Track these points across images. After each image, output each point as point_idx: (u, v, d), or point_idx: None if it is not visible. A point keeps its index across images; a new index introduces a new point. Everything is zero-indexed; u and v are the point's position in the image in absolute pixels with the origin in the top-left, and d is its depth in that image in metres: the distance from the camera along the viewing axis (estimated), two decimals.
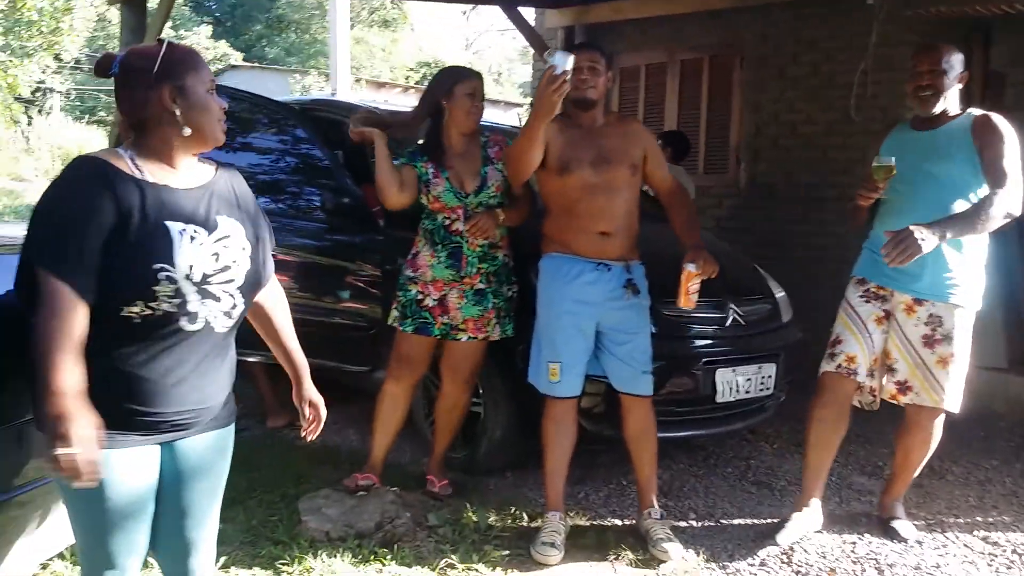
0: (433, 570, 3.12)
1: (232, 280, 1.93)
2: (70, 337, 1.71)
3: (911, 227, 2.97)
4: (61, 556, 2.89)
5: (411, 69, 28.78)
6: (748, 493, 3.99)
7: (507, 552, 3.25)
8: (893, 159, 3.22)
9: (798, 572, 3.24)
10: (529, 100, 14.63)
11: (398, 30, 30.66)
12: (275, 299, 2.21)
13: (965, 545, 3.48)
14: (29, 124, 18.71)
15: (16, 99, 16.65)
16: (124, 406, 1.83)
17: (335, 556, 3.13)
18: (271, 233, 2.12)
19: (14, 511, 2.32)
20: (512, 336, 3.71)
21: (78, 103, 23.23)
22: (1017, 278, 5.37)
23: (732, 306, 4.02)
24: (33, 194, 16.26)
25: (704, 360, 3.88)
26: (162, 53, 1.88)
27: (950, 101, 3.34)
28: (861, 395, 3.51)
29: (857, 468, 4.29)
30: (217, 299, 1.90)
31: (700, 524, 3.64)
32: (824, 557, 3.35)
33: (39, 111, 20.06)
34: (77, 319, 1.73)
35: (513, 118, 17.84)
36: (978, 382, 3.56)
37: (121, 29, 6.20)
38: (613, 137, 3.41)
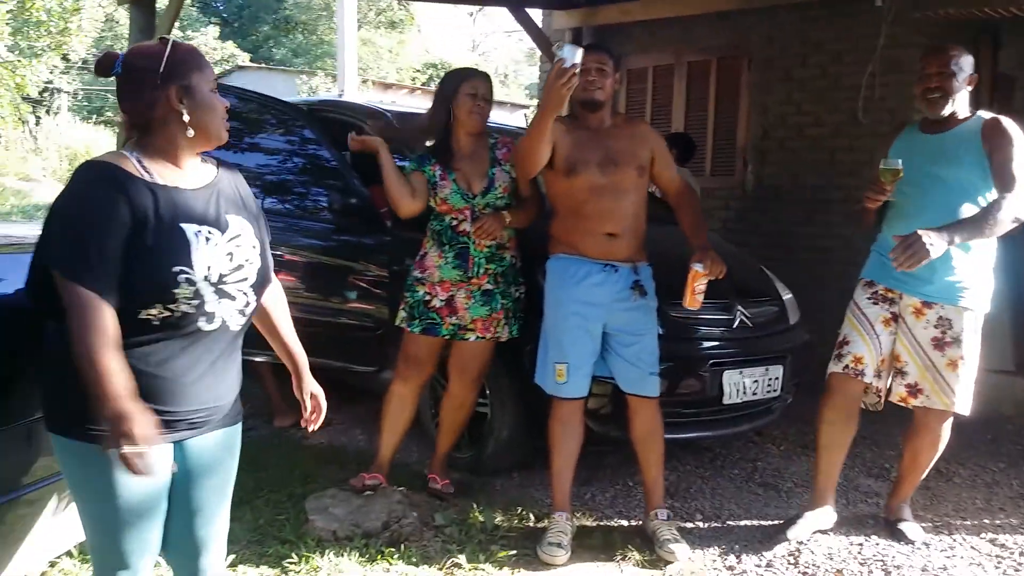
0: (440, 570, 3.12)
1: (246, 279, 1.95)
2: (109, 340, 1.73)
3: (920, 232, 2.97)
4: (69, 554, 2.90)
5: (417, 70, 28.84)
6: (755, 494, 3.99)
7: (514, 552, 3.26)
8: (900, 161, 3.21)
9: (805, 573, 3.23)
10: (536, 102, 14.63)
11: (405, 31, 30.71)
12: (274, 295, 2.22)
13: (972, 547, 3.48)
14: (37, 124, 18.77)
15: (24, 99, 16.71)
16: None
17: (342, 555, 3.13)
18: (268, 230, 2.13)
19: (23, 509, 2.34)
20: (519, 337, 3.71)
21: (85, 103, 23.33)
22: None
23: (739, 308, 4.03)
24: (41, 193, 16.33)
25: (711, 362, 3.88)
26: (167, 53, 1.88)
27: (959, 104, 3.33)
28: (866, 396, 3.51)
29: (864, 470, 4.28)
30: (232, 298, 1.92)
31: (707, 525, 3.64)
32: (831, 558, 3.34)
33: (47, 111, 20.13)
34: (111, 322, 1.75)
35: (519, 119, 17.84)
36: (986, 385, 3.55)
37: (130, 29, 6.21)
38: (620, 139, 3.42)
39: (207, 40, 24.99)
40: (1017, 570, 3.31)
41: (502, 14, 31.99)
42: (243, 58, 25.06)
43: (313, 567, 3.06)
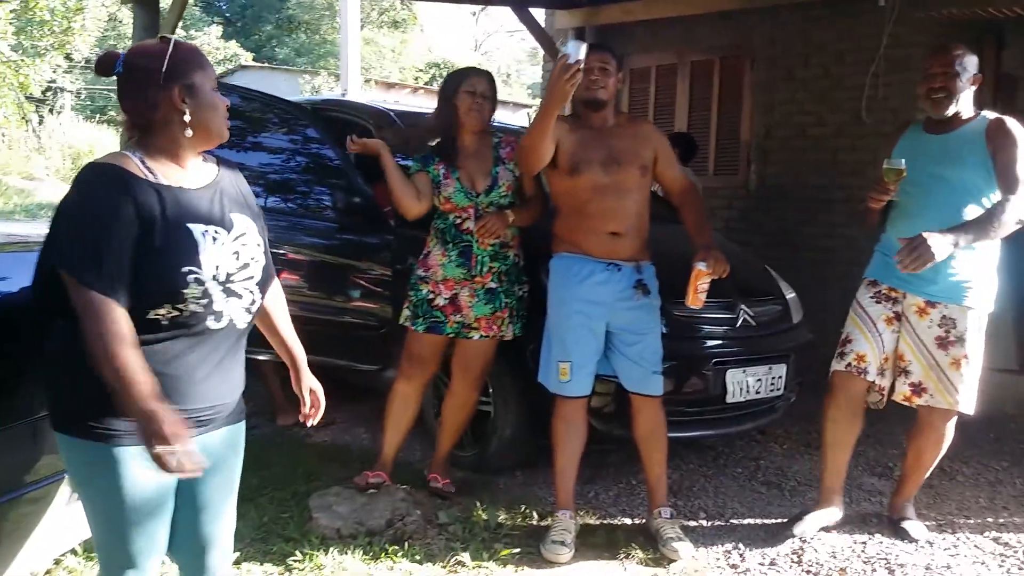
0: (444, 568, 3.13)
1: (252, 277, 1.96)
2: (128, 342, 1.73)
3: (925, 235, 2.97)
4: (74, 552, 2.91)
5: (420, 70, 28.84)
6: (758, 493, 3.99)
7: (517, 550, 3.26)
8: (904, 161, 3.21)
9: (808, 572, 3.23)
10: (538, 101, 14.62)
11: (407, 31, 30.72)
12: (273, 292, 2.22)
13: (976, 546, 3.48)
14: (40, 123, 18.79)
15: (27, 98, 16.73)
16: None
17: (346, 553, 3.14)
18: (265, 228, 2.14)
19: (26, 507, 2.34)
20: (522, 335, 3.72)
21: (89, 102, 23.35)
22: None
23: (743, 307, 4.03)
24: (44, 193, 16.35)
25: (714, 360, 3.88)
26: (170, 52, 1.87)
27: (963, 104, 3.32)
28: (869, 395, 3.51)
29: (867, 469, 4.28)
30: (239, 296, 1.93)
31: (710, 524, 3.64)
32: (835, 557, 3.35)
33: (50, 110, 20.15)
34: (126, 324, 1.75)
35: (522, 119, 17.84)
36: (989, 384, 3.55)
37: (134, 29, 6.23)
38: (623, 138, 3.42)
39: (210, 39, 25.00)
40: (1021, 568, 3.31)
41: (504, 13, 32.02)
42: (246, 57, 25.08)
43: (317, 565, 3.07)
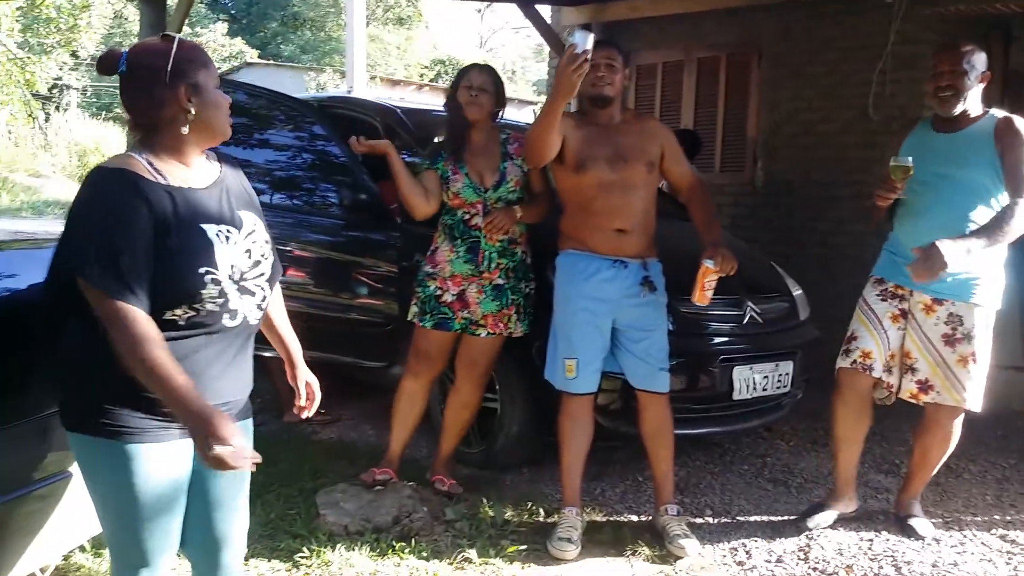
0: (450, 564, 3.13)
1: (263, 274, 1.97)
2: (159, 346, 1.74)
3: (937, 244, 2.98)
4: (82, 548, 2.92)
5: (425, 67, 28.83)
6: (764, 490, 3.99)
7: (524, 547, 3.27)
8: (911, 159, 3.20)
9: (815, 569, 3.23)
10: (543, 98, 14.60)
11: (413, 28, 30.71)
12: None
13: (983, 543, 3.47)
14: (47, 120, 18.82)
15: (33, 95, 16.77)
16: None
17: (353, 550, 3.15)
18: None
19: (35, 504, 2.35)
20: (528, 332, 3.72)
21: (95, 100, 23.37)
22: None
23: (749, 304, 4.03)
24: (50, 190, 16.37)
25: (721, 357, 3.88)
26: (174, 51, 1.86)
27: (971, 102, 3.31)
28: (876, 390, 3.51)
29: (874, 466, 4.28)
30: (252, 294, 1.94)
31: (716, 521, 3.65)
32: (841, 554, 3.34)
33: (56, 108, 20.18)
34: (153, 328, 1.76)
35: (527, 115, 17.83)
36: (996, 381, 3.55)
37: (140, 26, 6.24)
38: (630, 135, 3.41)
39: (215, 36, 25.01)
40: None
41: (510, 10, 31.96)
42: (251, 55, 25.07)
43: (324, 561, 3.07)
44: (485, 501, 3.58)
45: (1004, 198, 3.25)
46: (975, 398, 3.35)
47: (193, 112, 1.87)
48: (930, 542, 3.45)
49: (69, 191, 16.54)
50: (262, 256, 1.97)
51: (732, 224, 6.73)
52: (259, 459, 1.77)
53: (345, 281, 4.49)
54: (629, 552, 3.29)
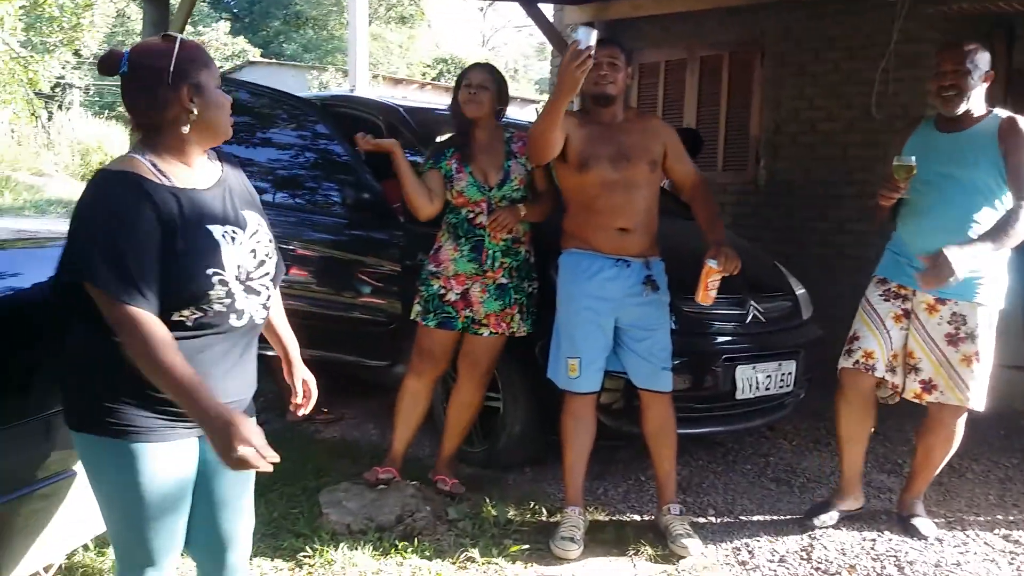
0: (454, 564, 3.13)
1: (268, 273, 1.97)
2: (172, 349, 1.75)
3: (945, 252, 3.00)
4: (86, 547, 2.93)
5: (428, 65, 28.82)
6: (767, 490, 3.99)
7: (527, 546, 3.27)
8: (914, 158, 3.20)
9: (818, 569, 3.23)
10: (545, 97, 14.61)
11: (415, 26, 30.70)
12: None
13: (985, 543, 3.47)
14: (49, 119, 18.84)
15: (36, 94, 16.77)
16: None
17: (356, 549, 3.15)
18: None
19: (38, 503, 2.35)
20: (531, 332, 3.72)
21: (97, 99, 23.38)
22: None
23: (752, 303, 4.02)
24: (53, 188, 16.38)
25: (724, 357, 3.88)
26: (176, 51, 1.85)
27: (974, 101, 3.30)
28: (880, 389, 3.51)
29: (876, 465, 4.27)
30: (258, 293, 1.94)
31: (719, 520, 3.64)
32: (844, 554, 3.34)
33: (59, 106, 20.19)
34: (164, 330, 1.76)
35: (529, 114, 17.84)
36: (999, 380, 3.55)
37: (143, 25, 6.24)
38: (632, 133, 3.41)
39: (218, 35, 25.02)
40: None
41: (512, 8, 31.96)
42: (254, 53, 25.08)
43: (327, 560, 3.08)
44: (488, 500, 3.58)
45: (1007, 198, 3.25)
46: (978, 397, 3.34)
47: (196, 112, 1.87)
48: (933, 542, 3.45)
49: (72, 190, 16.56)
50: (266, 256, 1.98)
51: (734, 223, 6.72)
52: (277, 458, 1.78)
53: (348, 280, 4.49)
54: (632, 551, 3.30)
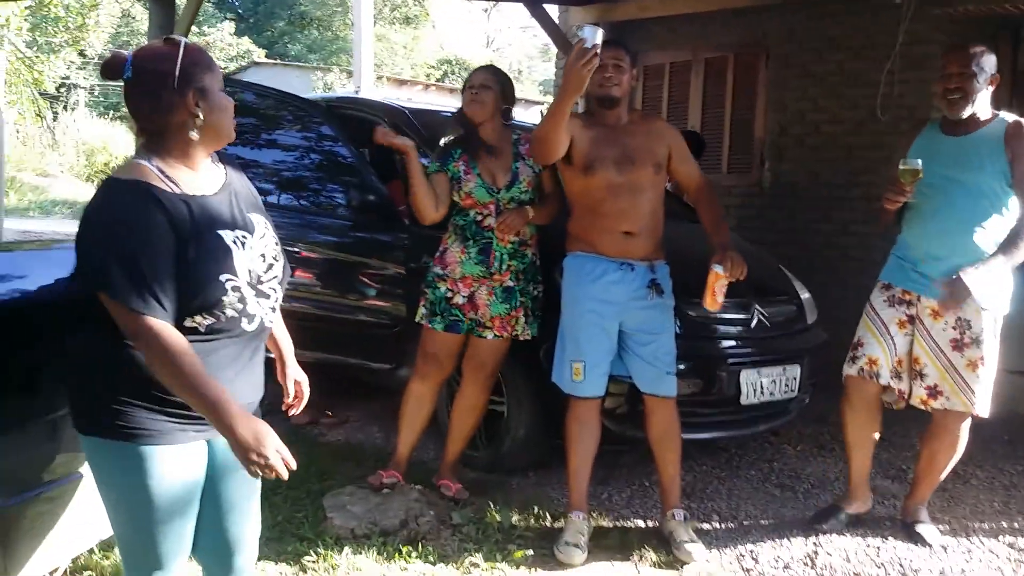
0: (457, 569, 3.13)
1: (276, 276, 1.98)
2: (191, 358, 1.75)
3: (961, 276, 3.08)
4: (91, 551, 2.93)
5: (432, 66, 28.84)
6: (771, 495, 3.98)
7: (531, 552, 3.26)
8: (920, 162, 3.19)
9: (822, 575, 3.22)
10: (550, 98, 14.60)
11: (419, 27, 30.71)
12: None
13: (990, 550, 3.46)
14: (54, 120, 18.88)
15: (41, 95, 16.81)
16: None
17: (360, 553, 3.15)
18: None
19: (44, 506, 2.36)
20: (536, 336, 3.71)
21: (102, 99, 23.43)
22: None
23: (757, 307, 4.01)
24: (58, 189, 16.42)
25: (729, 361, 3.87)
26: (181, 55, 1.84)
27: (979, 104, 3.30)
28: (886, 394, 3.51)
29: (880, 471, 4.25)
30: (267, 296, 1.94)
31: (723, 526, 3.64)
32: (848, 561, 3.34)
33: (64, 107, 20.24)
34: (181, 339, 1.77)
35: (534, 116, 17.83)
36: (1003, 385, 3.54)
37: (149, 26, 6.26)
38: (637, 136, 3.41)
39: (223, 36, 25.07)
40: None
41: (516, 9, 31.94)
42: (258, 54, 25.12)
43: (331, 565, 3.07)
44: (492, 505, 3.57)
45: (1013, 203, 3.25)
46: (983, 403, 3.34)
47: (201, 117, 1.87)
48: (937, 549, 3.44)
49: (77, 191, 16.60)
50: (274, 258, 1.98)
51: (739, 225, 6.71)
52: (294, 465, 1.79)
53: (352, 282, 4.49)
54: (636, 557, 3.29)
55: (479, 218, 3.60)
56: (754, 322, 3.99)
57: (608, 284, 3.34)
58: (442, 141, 3.82)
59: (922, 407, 3.43)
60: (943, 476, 3.58)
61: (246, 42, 26.07)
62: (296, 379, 2.27)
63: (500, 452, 4.00)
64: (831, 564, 3.30)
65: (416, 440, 3.81)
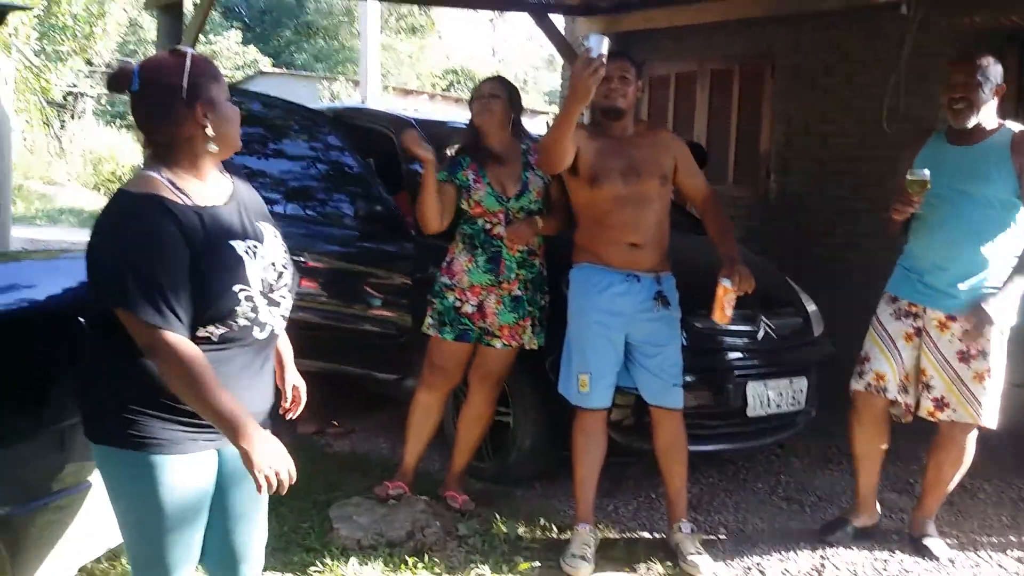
0: None
1: (286, 284, 1.98)
2: (208, 371, 1.77)
3: (983, 307, 3.16)
4: (98, 561, 2.92)
5: (438, 76, 28.89)
6: (778, 508, 3.97)
7: (537, 564, 3.26)
8: (928, 172, 3.19)
9: None
10: (555, 108, 14.62)
11: (425, 37, 30.77)
12: None
13: (999, 565, 3.45)
14: (62, 128, 18.94)
15: (48, 103, 16.87)
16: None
17: (366, 564, 3.15)
18: None
19: (52, 515, 2.36)
20: (542, 346, 3.71)
21: (109, 107, 23.49)
22: None
23: (764, 319, 4.01)
24: (65, 197, 16.46)
25: (736, 373, 3.87)
26: (188, 67, 1.85)
27: (985, 114, 3.29)
28: (893, 408, 3.50)
29: (888, 485, 4.22)
30: (278, 304, 1.95)
31: (730, 539, 3.63)
32: (855, 574, 3.33)
33: (71, 115, 20.30)
34: (197, 353, 1.78)
35: (539, 126, 17.86)
36: (1010, 399, 3.53)
37: (157, 35, 6.29)
38: (643, 147, 3.41)
39: (229, 44, 25.14)
40: None
41: (522, 20, 32.01)
42: (265, 63, 25.19)
43: (337, 575, 3.07)
44: (498, 516, 3.57)
45: (1020, 214, 3.24)
46: (990, 414, 3.33)
47: (211, 128, 1.87)
48: (945, 563, 3.42)
49: (83, 199, 16.64)
50: (284, 266, 1.99)
51: (745, 237, 6.70)
52: (294, 480, 1.82)
53: (359, 293, 4.50)
54: (642, 569, 3.29)
55: (488, 226, 3.60)
56: (761, 334, 3.99)
57: (614, 296, 3.34)
58: (448, 151, 3.82)
59: (929, 418, 3.42)
60: (950, 488, 3.57)
61: (253, 51, 26.14)
62: (295, 384, 2.27)
63: (506, 463, 4.00)
64: None
65: (422, 451, 3.80)
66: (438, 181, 3.63)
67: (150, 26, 19.73)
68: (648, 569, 3.28)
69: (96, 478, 2.28)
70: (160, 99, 1.85)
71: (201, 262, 1.80)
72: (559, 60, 8.72)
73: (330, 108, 5.95)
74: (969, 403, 3.31)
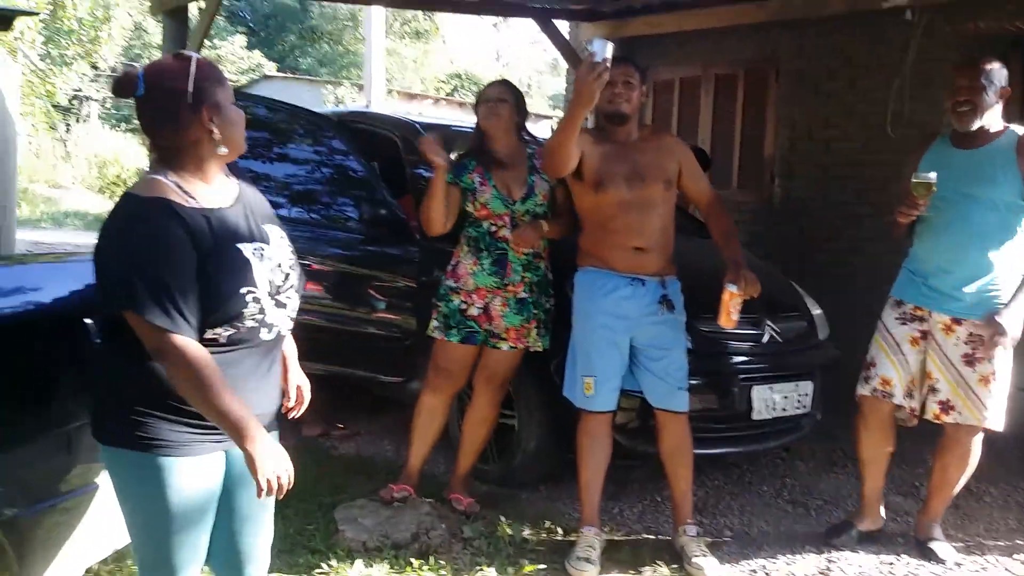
0: None
1: (292, 285, 1.99)
2: (216, 374, 1.77)
3: (997, 319, 3.17)
4: (105, 562, 2.93)
5: (442, 81, 28.93)
6: (783, 511, 3.97)
7: (543, 566, 3.26)
8: (934, 175, 3.19)
9: None
10: (559, 112, 14.67)
11: (429, 42, 30.82)
12: None
13: (1005, 568, 3.44)
14: (67, 132, 19.00)
15: (54, 107, 16.93)
16: None
17: (371, 566, 3.15)
18: None
19: (58, 517, 2.36)
20: (547, 348, 3.71)
21: (114, 111, 23.55)
22: None
23: (769, 323, 4.00)
24: (70, 201, 16.49)
25: (741, 377, 3.87)
26: (193, 72, 1.85)
27: (989, 117, 3.30)
28: (899, 411, 3.50)
29: (893, 488, 4.22)
30: (285, 306, 1.96)
31: (735, 541, 3.62)
32: None
33: (76, 119, 20.36)
34: (206, 356, 1.79)
35: (543, 130, 17.88)
36: (1016, 402, 3.52)
37: (163, 40, 6.31)
38: (647, 152, 3.41)
39: (234, 49, 25.18)
40: None
41: (526, 24, 32.06)
42: (270, 67, 25.23)
43: None
44: (503, 519, 3.57)
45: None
46: (996, 417, 3.33)
47: (217, 132, 1.88)
48: (951, 566, 3.42)
49: (88, 202, 16.68)
50: (290, 268, 2.00)
51: (749, 242, 6.69)
52: (292, 483, 1.86)
53: (363, 296, 4.51)
54: (648, 572, 3.28)
55: (493, 229, 3.61)
56: (766, 338, 3.98)
57: (619, 299, 3.35)
58: (453, 155, 3.83)
59: (935, 421, 3.42)
60: (956, 491, 3.56)
61: (257, 55, 26.18)
62: (298, 384, 2.27)
63: (511, 466, 4.00)
64: None
65: (427, 453, 3.81)
66: (448, 184, 3.64)
67: (155, 31, 19.78)
68: (653, 572, 3.28)
69: (102, 480, 2.30)
70: (165, 103, 1.86)
71: (208, 264, 1.81)
72: (563, 64, 8.74)
73: (334, 112, 5.96)
74: (975, 406, 3.31)
